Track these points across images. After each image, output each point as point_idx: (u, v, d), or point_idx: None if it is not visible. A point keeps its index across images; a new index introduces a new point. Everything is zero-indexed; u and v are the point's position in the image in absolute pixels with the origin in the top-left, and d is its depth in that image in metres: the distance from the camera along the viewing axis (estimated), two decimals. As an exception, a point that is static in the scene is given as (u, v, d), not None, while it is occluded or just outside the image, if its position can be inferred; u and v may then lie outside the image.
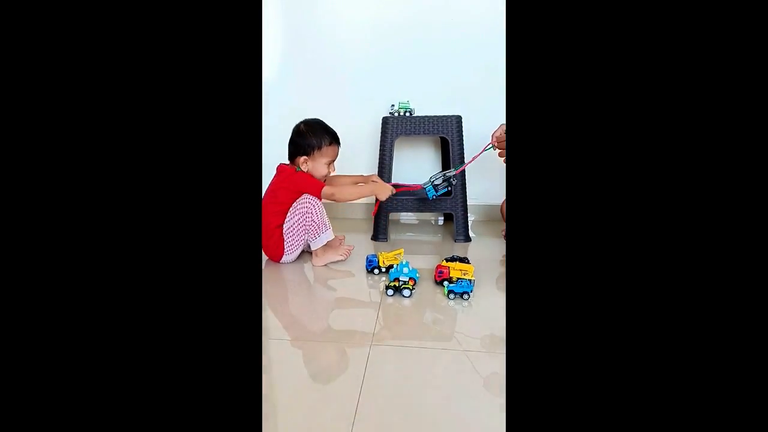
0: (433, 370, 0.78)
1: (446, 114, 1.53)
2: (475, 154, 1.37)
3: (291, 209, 1.28)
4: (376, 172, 1.55)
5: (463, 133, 1.54)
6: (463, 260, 1.16)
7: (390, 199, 1.43)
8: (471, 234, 1.58)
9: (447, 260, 1.16)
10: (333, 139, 1.31)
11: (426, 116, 1.53)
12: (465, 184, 1.54)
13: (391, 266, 1.22)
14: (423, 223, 1.84)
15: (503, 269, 1.27)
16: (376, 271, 1.23)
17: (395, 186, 1.41)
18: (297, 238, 1.29)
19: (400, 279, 1.11)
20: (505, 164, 1.31)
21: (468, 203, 1.56)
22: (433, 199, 1.43)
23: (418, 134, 1.54)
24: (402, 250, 1.26)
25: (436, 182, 1.40)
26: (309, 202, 1.28)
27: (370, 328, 0.93)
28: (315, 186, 1.29)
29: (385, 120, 1.55)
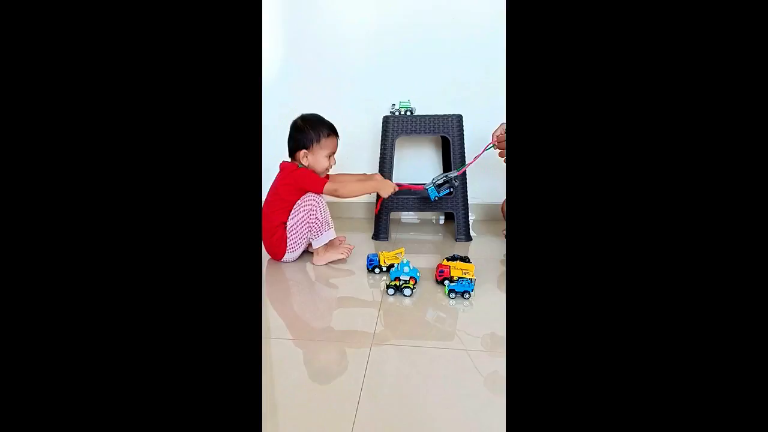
0: (434, 370, 0.78)
1: (447, 113, 1.53)
2: (476, 155, 1.37)
3: (296, 206, 1.29)
4: (377, 172, 1.55)
5: (464, 132, 1.54)
6: (464, 259, 1.16)
7: (392, 196, 1.43)
8: (472, 233, 1.58)
9: (448, 259, 1.16)
10: (331, 130, 1.31)
11: (427, 115, 1.53)
12: (466, 183, 1.54)
13: (391, 265, 1.22)
14: (424, 223, 1.84)
15: (504, 268, 1.27)
16: (377, 270, 1.23)
17: (398, 185, 1.41)
18: (300, 236, 1.29)
19: (401, 278, 1.11)
20: (505, 164, 1.31)
21: (469, 202, 1.56)
22: (435, 200, 1.43)
23: (419, 133, 1.54)
24: (403, 249, 1.26)
25: (438, 183, 1.40)
26: (314, 200, 1.29)
27: (371, 327, 0.93)
28: (317, 182, 1.29)
29: (385, 119, 1.55)
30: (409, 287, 1.08)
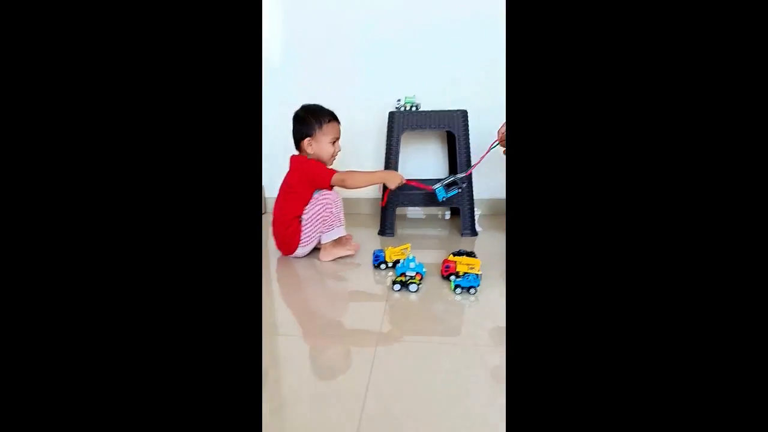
0: (440, 365, 0.79)
1: (452, 109, 1.53)
2: (483, 154, 1.37)
3: (313, 199, 1.31)
4: (383, 167, 1.56)
5: (469, 128, 1.54)
6: (470, 254, 1.17)
7: (398, 191, 1.43)
8: (477, 228, 1.58)
9: (454, 255, 1.16)
10: (331, 116, 1.32)
11: (432, 111, 1.53)
12: (471, 178, 1.54)
13: (397, 261, 1.22)
14: (430, 218, 1.84)
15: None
16: (383, 266, 1.24)
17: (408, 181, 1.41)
18: (314, 229, 1.31)
19: (407, 274, 1.11)
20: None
21: (474, 198, 1.56)
22: (442, 200, 1.44)
23: (424, 129, 1.53)
24: (408, 244, 1.26)
25: (446, 184, 1.41)
26: (331, 195, 1.31)
27: (377, 323, 0.94)
28: (326, 173, 1.30)
29: (391, 115, 1.55)
30: (415, 283, 1.08)
